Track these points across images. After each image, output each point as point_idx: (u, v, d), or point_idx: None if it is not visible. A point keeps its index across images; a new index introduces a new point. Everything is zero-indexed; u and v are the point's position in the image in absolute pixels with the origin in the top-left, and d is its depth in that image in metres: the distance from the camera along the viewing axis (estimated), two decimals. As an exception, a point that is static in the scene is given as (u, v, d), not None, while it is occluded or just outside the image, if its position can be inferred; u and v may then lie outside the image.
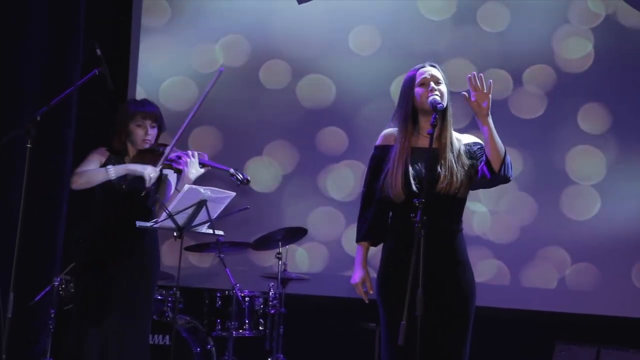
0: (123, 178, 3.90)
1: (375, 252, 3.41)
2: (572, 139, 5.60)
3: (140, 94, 6.06)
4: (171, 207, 3.79)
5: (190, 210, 3.83)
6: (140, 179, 3.87)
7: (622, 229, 5.49)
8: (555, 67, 5.65)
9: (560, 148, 5.61)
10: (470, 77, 3.09)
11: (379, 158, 3.31)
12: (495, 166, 3.14)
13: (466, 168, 3.24)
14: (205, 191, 3.81)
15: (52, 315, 4.86)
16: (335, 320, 5.72)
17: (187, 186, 3.77)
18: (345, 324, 5.65)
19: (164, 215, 3.81)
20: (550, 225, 5.60)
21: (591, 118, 5.59)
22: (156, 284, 4.12)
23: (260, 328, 5.15)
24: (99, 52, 3.70)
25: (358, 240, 3.33)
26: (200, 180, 3.98)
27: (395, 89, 5.56)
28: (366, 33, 5.92)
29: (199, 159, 3.96)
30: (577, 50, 5.63)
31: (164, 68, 6.15)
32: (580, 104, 5.60)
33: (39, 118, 3.49)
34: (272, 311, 5.14)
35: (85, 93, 5.28)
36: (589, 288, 5.53)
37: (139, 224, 3.81)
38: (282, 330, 5.16)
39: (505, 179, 3.20)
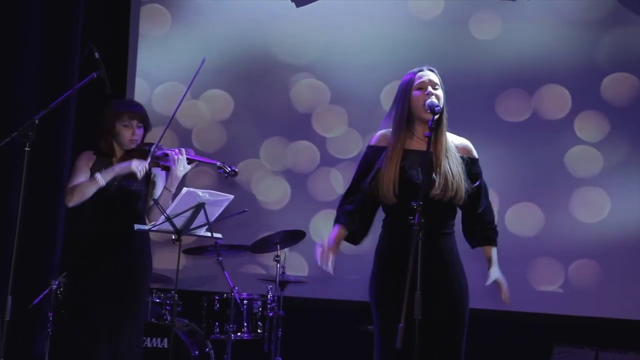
0: (113, 179, 3.86)
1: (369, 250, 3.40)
2: (569, 141, 5.61)
3: (140, 91, 6.05)
4: (169, 210, 3.78)
5: (188, 213, 3.83)
6: (128, 177, 3.85)
7: (623, 231, 5.49)
8: (551, 73, 5.66)
9: (557, 150, 5.62)
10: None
11: (371, 158, 3.29)
12: None
13: (461, 176, 3.19)
14: (203, 194, 3.81)
15: (51, 319, 4.84)
16: (334, 323, 5.72)
17: (185, 189, 3.76)
18: (344, 326, 5.65)
19: (162, 218, 3.80)
20: (550, 227, 5.60)
21: (588, 123, 5.60)
22: (148, 286, 4.09)
23: (259, 331, 5.14)
24: (97, 55, 3.70)
25: (335, 223, 3.32)
26: (188, 176, 3.96)
27: (386, 95, 5.59)
28: (362, 37, 5.92)
29: (186, 155, 3.95)
30: (573, 55, 5.64)
31: (160, 72, 6.15)
32: (577, 110, 5.62)
33: (37, 121, 3.48)
34: (271, 314, 5.14)
35: (83, 96, 5.27)
36: (587, 290, 5.53)
37: (137, 227, 3.80)
38: (280, 333, 5.16)
39: None
